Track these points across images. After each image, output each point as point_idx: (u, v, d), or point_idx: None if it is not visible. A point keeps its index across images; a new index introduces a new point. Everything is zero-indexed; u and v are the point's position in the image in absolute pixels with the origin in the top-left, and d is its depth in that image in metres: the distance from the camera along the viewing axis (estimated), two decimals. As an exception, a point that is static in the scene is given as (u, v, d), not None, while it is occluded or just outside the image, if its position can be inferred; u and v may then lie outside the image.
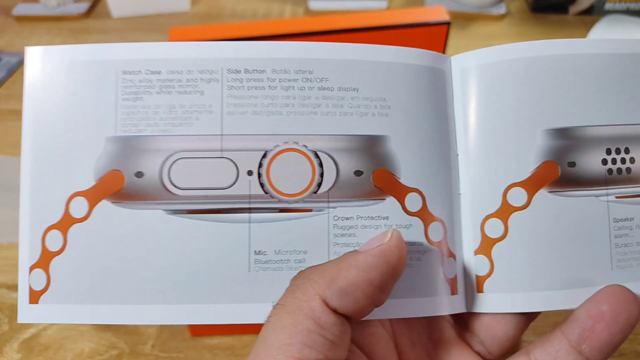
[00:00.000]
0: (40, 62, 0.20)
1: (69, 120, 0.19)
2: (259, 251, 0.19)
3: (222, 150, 0.19)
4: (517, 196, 0.20)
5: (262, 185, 0.19)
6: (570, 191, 0.19)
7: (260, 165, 0.19)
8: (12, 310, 0.36)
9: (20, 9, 0.66)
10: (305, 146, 0.19)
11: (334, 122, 0.20)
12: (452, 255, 0.20)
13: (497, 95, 0.20)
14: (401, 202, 0.20)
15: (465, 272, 0.20)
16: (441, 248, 0.20)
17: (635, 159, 0.20)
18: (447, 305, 0.19)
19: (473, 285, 0.20)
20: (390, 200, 0.20)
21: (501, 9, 0.64)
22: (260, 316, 0.18)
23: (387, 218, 0.19)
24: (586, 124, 0.20)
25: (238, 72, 0.20)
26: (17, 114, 0.55)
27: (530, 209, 0.19)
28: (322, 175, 0.19)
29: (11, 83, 0.56)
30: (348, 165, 0.19)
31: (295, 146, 0.19)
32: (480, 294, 0.20)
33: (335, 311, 0.16)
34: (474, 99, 0.20)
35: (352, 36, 0.41)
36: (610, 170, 0.20)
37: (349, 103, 0.20)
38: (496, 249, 0.20)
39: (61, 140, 0.19)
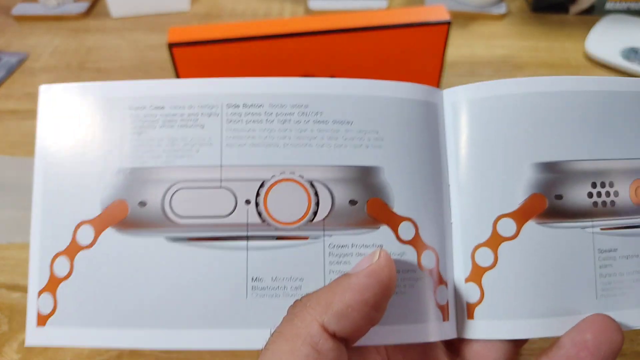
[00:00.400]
0: (54, 99, 0.21)
1: (79, 154, 0.20)
2: (256, 278, 0.20)
3: (221, 180, 0.20)
4: (507, 227, 0.21)
5: (259, 213, 0.20)
6: (557, 222, 0.20)
7: (258, 194, 0.20)
8: (12, 310, 0.36)
9: (20, 9, 0.66)
10: (302, 176, 0.20)
11: (329, 154, 0.21)
12: (443, 282, 0.21)
13: (487, 130, 0.21)
14: (394, 230, 0.20)
15: (457, 299, 0.21)
16: (433, 275, 0.20)
17: (619, 192, 0.21)
18: (439, 331, 0.20)
19: (464, 312, 0.21)
20: (384, 229, 0.20)
21: (502, 9, 0.64)
22: (257, 342, 0.18)
23: (380, 246, 0.20)
24: (572, 158, 0.21)
25: (237, 106, 0.21)
26: (17, 113, 0.55)
27: (519, 239, 0.20)
28: (317, 204, 0.20)
29: (10, 83, 0.55)
30: (343, 194, 0.20)
31: (291, 176, 0.20)
32: (470, 321, 0.20)
33: (334, 336, 0.17)
34: (465, 132, 0.21)
35: (352, 36, 0.41)
36: (595, 203, 0.21)
37: (343, 135, 0.21)
38: (486, 277, 0.20)
39: (71, 171, 0.20)
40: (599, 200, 0.21)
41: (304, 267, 0.20)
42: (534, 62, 0.56)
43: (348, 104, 0.21)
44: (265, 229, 0.20)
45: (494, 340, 0.20)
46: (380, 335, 0.19)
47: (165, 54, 0.57)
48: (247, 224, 0.20)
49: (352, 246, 0.20)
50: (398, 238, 0.20)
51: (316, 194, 0.20)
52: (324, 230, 0.20)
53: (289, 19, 0.52)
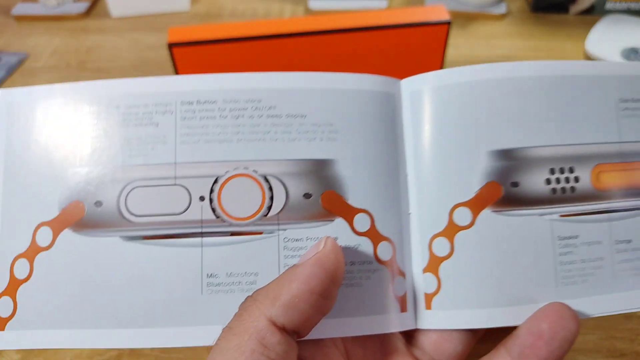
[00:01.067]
0: (11, 102, 0.21)
1: (37, 156, 0.20)
2: (211, 274, 0.20)
3: (175, 177, 0.20)
4: (462, 216, 0.20)
5: (213, 210, 0.20)
6: (513, 210, 0.20)
7: (212, 190, 0.20)
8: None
9: (20, 9, 0.66)
10: (255, 171, 0.20)
11: (283, 148, 0.21)
12: (401, 273, 0.21)
13: (444, 118, 0.21)
14: (350, 222, 0.20)
15: (415, 290, 0.21)
16: (390, 267, 0.20)
17: (580, 177, 0.20)
18: (397, 322, 0.20)
19: (422, 303, 0.20)
20: (339, 221, 0.20)
21: (502, 9, 0.64)
22: (212, 338, 0.18)
23: (336, 239, 0.20)
24: (529, 145, 0.20)
25: (191, 103, 0.21)
26: (17, 113, 0.55)
27: (474, 228, 0.20)
28: (272, 198, 0.20)
29: (10, 83, 0.55)
30: (297, 188, 0.20)
31: (245, 171, 0.20)
32: (428, 311, 0.20)
33: (283, 329, 0.17)
34: (422, 121, 0.21)
35: (352, 36, 0.41)
36: (554, 190, 0.20)
37: (297, 129, 0.21)
38: (443, 267, 0.20)
39: (29, 174, 0.20)
40: (558, 187, 0.20)
41: (258, 262, 0.20)
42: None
43: (301, 98, 0.21)
44: (220, 225, 0.20)
45: (452, 330, 0.20)
46: (337, 328, 0.19)
47: (165, 54, 0.57)
48: (202, 221, 0.20)
49: (307, 239, 0.20)
50: (353, 230, 0.20)
51: (270, 188, 0.20)
52: (278, 224, 0.20)
53: (289, 19, 0.52)
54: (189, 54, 0.40)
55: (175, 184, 0.20)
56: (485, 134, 0.20)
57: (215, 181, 0.20)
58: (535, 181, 0.20)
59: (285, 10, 0.66)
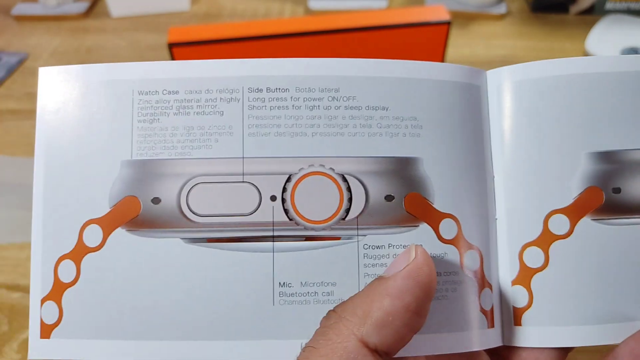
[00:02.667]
0: (54, 82, 0.19)
1: (83, 144, 0.18)
2: (284, 283, 0.18)
3: (243, 174, 0.18)
4: (559, 224, 0.18)
5: (286, 211, 0.18)
6: (615, 219, 0.18)
7: (284, 190, 0.18)
8: (12, 310, 0.36)
9: (20, 9, 0.66)
10: (332, 169, 0.18)
11: (363, 144, 0.18)
12: (488, 285, 0.19)
13: (537, 115, 0.19)
14: (435, 228, 0.18)
15: (502, 304, 0.19)
16: (477, 278, 0.19)
17: None
18: (483, 339, 0.18)
19: (510, 318, 0.19)
20: (424, 227, 0.18)
21: (502, 9, 0.64)
22: (286, 354, 0.17)
23: (420, 246, 0.18)
24: (633, 147, 0.19)
25: (260, 91, 0.19)
26: (16, 113, 0.55)
27: (573, 238, 0.18)
28: (350, 200, 0.18)
29: (10, 83, 0.55)
30: (378, 189, 0.18)
31: (321, 169, 0.18)
32: (517, 327, 0.19)
33: (375, 350, 0.15)
34: (512, 117, 0.19)
35: (352, 36, 0.41)
36: None
37: (378, 123, 0.19)
38: (536, 280, 0.18)
39: (75, 164, 0.18)
40: None
41: (336, 271, 0.18)
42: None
43: (383, 88, 0.19)
44: (293, 229, 0.18)
45: (543, 348, 0.18)
46: (420, 345, 0.18)
47: (165, 54, 0.57)
48: (273, 223, 0.18)
49: (389, 247, 0.18)
50: (439, 237, 0.18)
51: (348, 189, 0.18)
52: (357, 229, 0.18)
53: (289, 19, 0.52)
54: (189, 54, 0.40)
55: (243, 181, 0.18)
56: (585, 134, 0.19)
57: (288, 179, 0.18)
58: (638, 187, 0.19)
59: (285, 10, 0.66)
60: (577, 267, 0.18)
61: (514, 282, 0.19)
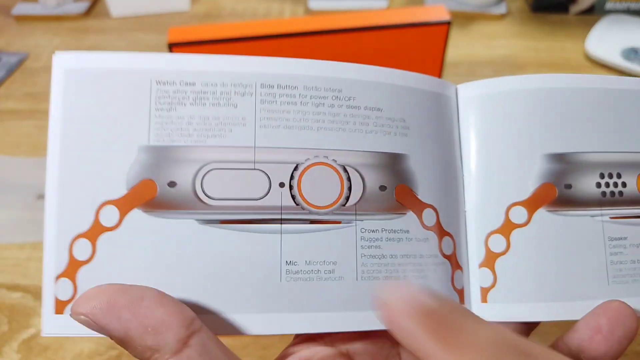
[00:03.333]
0: (70, 67, 0.19)
1: (101, 128, 0.19)
2: (290, 261, 0.19)
3: (255, 162, 0.20)
4: (518, 214, 0.21)
5: (293, 197, 0.20)
6: (567, 210, 0.21)
7: (292, 177, 0.20)
8: (12, 310, 0.36)
9: (20, 9, 0.66)
10: (335, 160, 0.20)
11: (361, 139, 0.21)
12: (460, 267, 0.21)
13: (500, 123, 0.22)
14: (419, 216, 0.21)
15: (472, 284, 0.21)
16: (452, 261, 0.21)
17: (627, 183, 0.22)
18: None
19: (478, 296, 0.21)
20: (410, 215, 0.21)
21: (502, 9, 0.64)
22: (291, 326, 0.18)
23: (407, 231, 0.21)
24: (581, 150, 0.22)
25: (271, 87, 0.20)
26: (17, 113, 0.56)
27: (530, 226, 0.21)
28: (350, 189, 0.20)
29: (10, 83, 0.55)
30: (374, 180, 0.20)
31: (325, 160, 0.20)
32: (484, 304, 0.21)
33: (186, 339, 0.16)
34: (478, 125, 0.22)
35: (352, 36, 0.41)
36: (604, 193, 0.22)
37: (374, 122, 0.21)
38: (499, 263, 0.21)
39: (92, 147, 0.19)
40: (607, 191, 0.22)
41: (337, 251, 0.20)
42: (534, 62, 0.56)
43: (378, 91, 0.21)
44: (299, 212, 0.20)
45: (506, 323, 0.21)
46: None
47: (165, 54, 0.57)
48: (281, 207, 0.20)
49: (382, 231, 0.20)
50: (422, 224, 0.21)
51: (349, 178, 0.20)
52: (355, 214, 0.20)
53: (289, 19, 0.52)
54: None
55: (254, 169, 0.20)
56: (540, 139, 0.22)
57: (296, 168, 0.20)
58: (587, 184, 0.22)
59: (285, 10, 0.66)
60: (534, 251, 0.21)
61: (481, 265, 0.21)
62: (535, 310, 0.20)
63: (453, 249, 0.21)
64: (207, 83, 0.20)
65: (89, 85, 0.19)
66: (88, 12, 0.66)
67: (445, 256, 0.21)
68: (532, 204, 0.21)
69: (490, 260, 0.21)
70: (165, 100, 0.19)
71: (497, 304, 0.21)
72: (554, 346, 0.19)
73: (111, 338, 0.16)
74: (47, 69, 0.57)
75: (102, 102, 0.19)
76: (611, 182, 0.22)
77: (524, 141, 0.22)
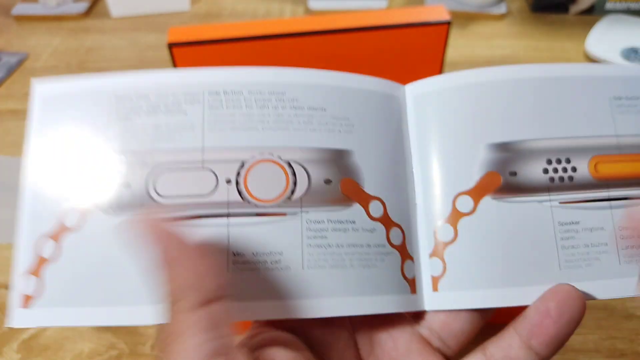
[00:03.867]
0: (45, 93, 0.22)
1: (69, 139, 0.21)
2: (237, 253, 0.20)
3: (203, 161, 0.21)
4: (465, 203, 0.22)
5: (240, 192, 0.21)
6: (513, 197, 0.22)
7: (239, 174, 0.21)
8: (12, 310, 0.36)
9: (20, 9, 0.66)
10: (280, 157, 0.21)
11: (305, 137, 0.22)
12: (410, 258, 0.22)
13: (443, 118, 0.23)
14: (365, 208, 0.22)
15: (423, 273, 0.22)
16: (401, 251, 0.22)
17: (577, 168, 0.22)
18: (407, 303, 0.21)
19: (429, 285, 0.22)
20: (356, 207, 0.22)
21: (502, 9, 0.64)
22: (239, 314, 0.19)
23: (353, 222, 0.21)
24: (525, 138, 0.22)
25: (218, 94, 0.22)
26: (17, 113, 0.56)
27: (476, 214, 0.22)
28: (295, 183, 0.21)
29: (10, 83, 0.55)
30: (318, 174, 0.21)
31: (270, 157, 0.21)
32: (435, 293, 0.22)
33: (205, 303, 0.17)
34: (423, 121, 0.23)
35: (352, 36, 0.41)
36: (552, 179, 0.22)
37: (317, 120, 0.22)
38: (448, 252, 0.22)
39: (63, 156, 0.21)
40: (556, 176, 0.22)
41: (282, 242, 0.21)
42: (534, 62, 0.56)
43: (321, 93, 0.22)
44: (246, 207, 0.21)
45: (459, 310, 0.21)
46: (352, 306, 0.20)
47: (165, 54, 0.57)
48: (228, 202, 0.21)
49: (327, 222, 0.21)
50: (369, 215, 0.22)
51: (294, 173, 0.21)
52: (301, 207, 0.21)
53: (289, 19, 0.52)
54: (189, 54, 0.40)
55: (203, 168, 0.21)
56: (484, 130, 0.22)
57: (242, 165, 0.21)
58: (532, 170, 0.22)
59: (285, 11, 0.66)
60: (482, 239, 0.21)
61: (431, 255, 0.22)
62: (485, 296, 0.21)
63: (402, 239, 0.22)
64: (160, 95, 0.22)
65: (60, 104, 0.22)
66: (88, 12, 0.66)
67: (393, 246, 0.22)
68: (477, 192, 0.22)
69: (439, 249, 0.22)
70: (123, 112, 0.21)
71: (448, 292, 0.21)
72: (505, 334, 0.20)
73: (153, 261, 0.17)
74: (47, 69, 0.57)
75: (71, 118, 0.22)
76: (560, 167, 0.22)
77: (467, 133, 0.22)
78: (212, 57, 0.40)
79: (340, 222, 0.21)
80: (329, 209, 0.21)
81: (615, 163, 0.22)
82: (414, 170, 0.23)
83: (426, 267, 0.22)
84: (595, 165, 0.22)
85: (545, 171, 0.22)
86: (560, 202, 0.22)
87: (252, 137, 0.21)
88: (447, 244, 0.22)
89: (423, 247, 0.22)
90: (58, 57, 0.59)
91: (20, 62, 0.58)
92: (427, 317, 0.22)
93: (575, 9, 0.64)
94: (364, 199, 0.22)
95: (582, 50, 0.58)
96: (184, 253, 0.17)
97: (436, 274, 0.21)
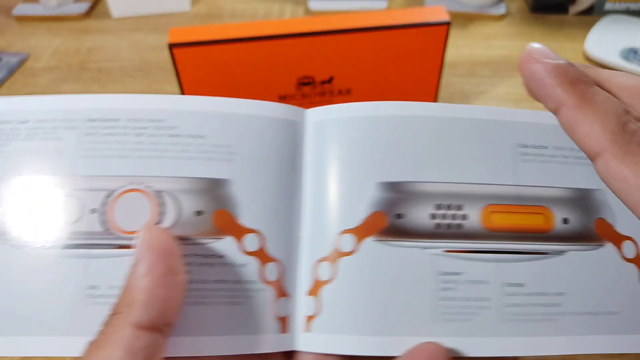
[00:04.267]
0: None
1: None
2: (92, 285, 0.20)
3: (71, 189, 0.21)
4: (347, 242, 0.21)
5: (103, 222, 0.20)
6: (396, 241, 0.21)
7: (104, 203, 0.21)
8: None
9: (21, 9, 0.66)
10: (150, 187, 0.21)
11: (180, 166, 0.21)
12: (285, 295, 0.21)
13: (340, 149, 0.22)
14: (239, 241, 0.21)
15: (297, 312, 0.21)
16: (276, 288, 0.21)
17: (469, 215, 0.21)
18: (275, 343, 0.21)
19: (302, 325, 0.21)
20: (228, 240, 0.21)
21: (501, 9, 0.64)
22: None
23: (223, 256, 0.21)
24: (417, 179, 0.21)
25: (94, 120, 0.21)
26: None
27: (357, 255, 0.21)
28: (162, 214, 0.21)
29: (11, 83, 0.56)
30: (189, 205, 0.21)
31: (139, 187, 0.21)
32: (307, 334, 0.21)
33: (151, 328, 0.17)
34: (321, 150, 0.22)
35: (352, 36, 0.41)
36: (438, 225, 0.21)
37: (195, 148, 0.21)
38: (325, 291, 0.21)
39: None
40: (443, 222, 0.21)
41: None
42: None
43: (203, 120, 0.22)
44: (107, 238, 0.20)
45: (327, 354, 0.20)
46: (215, 345, 0.20)
47: (165, 55, 0.57)
48: (90, 233, 0.20)
49: (193, 256, 0.20)
50: (242, 249, 0.21)
51: (162, 204, 0.21)
52: None
53: (289, 20, 0.52)
54: (190, 55, 0.40)
55: (69, 196, 0.21)
56: (376, 166, 0.21)
57: (109, 195, 0.21)
58: (419, 214, 0.21)
59: (285, 11, 0.67)
60: (359, 282, 0.20)
61: (309, 293, 0.21)
62: (355, 343, 0.20)
63: (279, 275, 0.21)
64: (39, 120, 0.21)
65: None
66: (89, 13, 0.66)
67: (267, 282, 0.21)
68: (361, 232, 0.21)
69: (317, 288, 0.21)
70: (2, 137, 0.21)
71: (320, 334, 0.20)
72: None
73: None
74: (48, 70, 0.57)
75: None
76: (449, 213, 0.21)
77: (360, 168, 0.21)
78: (212, 57, 0.41)
79: (208, 256, 0.20)
80: (196, 242, 0.20)
81: (510, 214, 0.21)
82: (303, 201, 0.22)
83: (302, 306, 0.21)
84: (488, 215, 0.21)
85: (433, 216, 0.21)
86: (445, 251, 0.21)
87: (125, 165, 0.21)
88: (324, 282, 0.21)
89: (301, 284, 0.21)
90: (59, 57, 0.59)
91: (21, 63, 0.58)
92: (299, 357, 0.21)
93: (574, 9, 0.64)
94: (239, 232, 0.21)
95: (582, 51, 0.58)
96: (164, 270, 0.18)
97: (310, 314, 0.21)
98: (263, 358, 0.21)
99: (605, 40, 0.57)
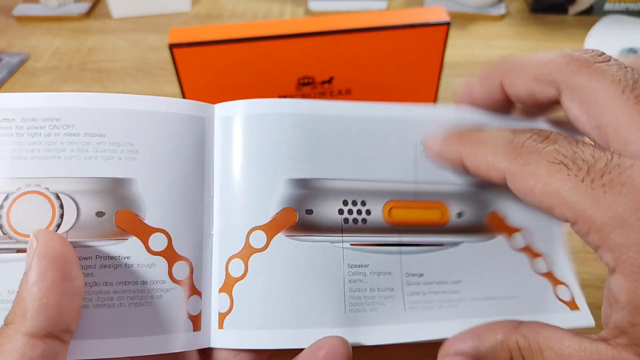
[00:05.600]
0: None
1: None
2: None
3: None
4: (258, 238, 0.21)
5: (0, 226, 0.20)
6: (306, 236, 0.21)
7: (1, 207, 0.20)
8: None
9: (21, 9, 0.66)
10: (47, 188, 0.20)
11: (78, 166, 0.20)
12: (197, 293, 0.21)
13: (249, 145, 0.22)
14: (144, 242, 0.20)
15: (210, 310, 0.21)
16: (185, 286, 0.21)
17: (372, 211, 0.22)
18: (188, 341, 0.20)
19: (215, 322, 0.21)
20: (133, 240, 0.20)
21: (501, 9, 0.64)
22: None
23: (128, 257, 0.20)
24: (325, 177, 0.22)
25: None
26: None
27: (268, 251, 0.21)
28: (62, 216, 0.20)
29: (12, 83, 0.56)
30: (89, 206, 0.20)
31: (37, 189, 0.20)
32: (220, 330, 0.21)
33: (48, 335, 0.17)
34: (230, 146, 0.22)
35: (352, 37, 0.41)
36: (346, 220, 0.22)
37: (94, 148, 0.21)
38: (236, 288, 0.21)
39: None
40: (350, 218, 0.22)
41: None
42: (533, 63, 0.57)
43: (102, 118, 0.21)
44: (7, 242, 0.20)
45: (240, 350, 0.21)
46: (125, 347, 0.19)
47: (166, 55, 0.57)
48: None
49: (96, 258, 0.20)
50: (148, 249, 0.21)
51: (61, 206, 0.20)
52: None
53: (289, 20, 0.52)
54: (190, 55, 0.40)
55: None
56: (285, 163, 0.22)
57: (6, 198, 0.20)
58: (328, 210, 0.22)
59: (285, 11, 0.67)
60: (270, 277, 0.21)
61: (220, 290, 0.21)
62: (266, 338, 0.20)
63: (189, 273, 0.21)
64: None
65: None
66: (89, 13, 0.66)
67: (176, 281, 0.21)
68: (271, 228, 0.21)
69: (228, 285, 0.21)
70: None
71: (233, 330, 0.20)
72: None
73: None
74: (48, 70, 0.57)
75: None
76: (355, 209, 0.22)
77: (269, 165, 0.21)
78: (212, 57, 0.41)
79: (111, 258, 0.20)
80: (98, 244, 0.20)
81: (408, 209, 0.22)
82: (214, 198, 0.22)
83: (214, 303, 0.21)
84: (389, 210, 0.22)
85: (341, 212, 0.22)
86: (352, 244, 0.21)
87: (20, 167, 0.20)
88: (236, 279, 0.21)
89: (214, 281, 0.21)
90: (59, 57, 0.59)
91: (21, 63, 0.58)
92: (214, 354, 0.21)
93: (574, 9, 0.64)
94: (144, 232, 0.20)
95: (581, 51, 0.58)
96: (56, 276, 0.17)
97: (223, 311, 0.21)
98: (178, 357, 0.21)
99: (605, 41, 0.57)
